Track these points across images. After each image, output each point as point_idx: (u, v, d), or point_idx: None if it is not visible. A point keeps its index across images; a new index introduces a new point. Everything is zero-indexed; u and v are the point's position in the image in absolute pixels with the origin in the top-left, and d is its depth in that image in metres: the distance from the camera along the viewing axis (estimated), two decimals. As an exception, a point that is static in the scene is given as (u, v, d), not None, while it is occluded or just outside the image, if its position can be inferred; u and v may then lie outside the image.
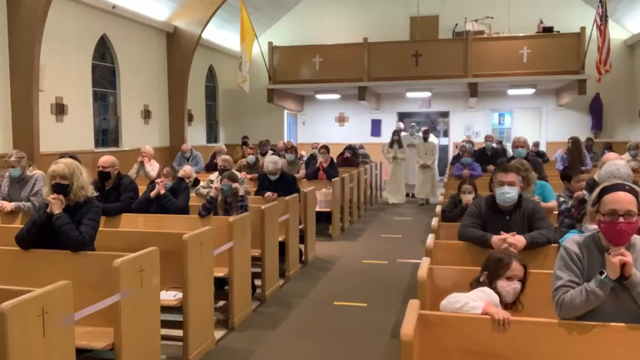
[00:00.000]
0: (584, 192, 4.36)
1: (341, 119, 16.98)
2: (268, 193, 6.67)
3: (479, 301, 2.56)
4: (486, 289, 2.69)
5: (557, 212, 4.62)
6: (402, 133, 12.75)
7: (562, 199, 4.55)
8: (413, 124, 13.76)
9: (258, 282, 5.71)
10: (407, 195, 13.04)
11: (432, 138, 12.67)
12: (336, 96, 16.12)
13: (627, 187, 2.42)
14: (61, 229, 3.57)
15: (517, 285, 2.66)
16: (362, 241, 8.75)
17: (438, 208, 5.35)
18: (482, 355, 2.47)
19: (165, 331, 3.96)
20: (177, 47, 12.63)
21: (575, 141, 8.75)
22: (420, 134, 12.59)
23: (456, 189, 5.43)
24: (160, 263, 3.66)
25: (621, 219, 2.35)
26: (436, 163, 12.66)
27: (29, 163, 5.63)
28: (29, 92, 8.23)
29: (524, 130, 14.92)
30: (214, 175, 6.83)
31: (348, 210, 9.78)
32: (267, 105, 15.22)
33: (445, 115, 16.99)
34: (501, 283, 2.65)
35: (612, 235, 2.39)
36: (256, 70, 14.88)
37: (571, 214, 4.34)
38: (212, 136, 15.69)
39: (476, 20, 14.65)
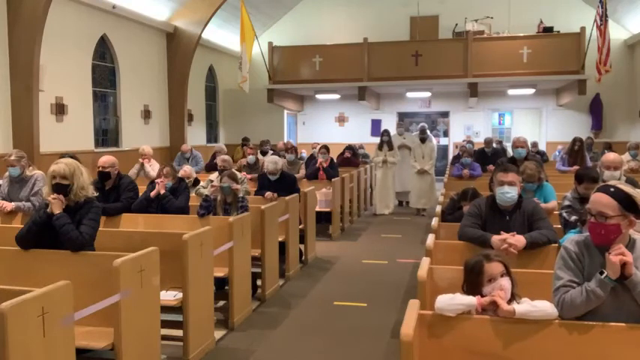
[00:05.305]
0: None
1: (341, 119, 16.99)
2: (268, 193, 6.68)
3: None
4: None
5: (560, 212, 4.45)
6: (392, 133, 11.33)
7: (567, 201, 4.34)
8: (414, 123, 13.37)
9: (258, 282, 5.71)
10: (400, 204, 11.88)
11: (430, 139, 11.59)
12: (336, 96, 16.12)
13: (612, 190, 2.42)
14: (61, 229, 3.57)
15: (503, 281, 2.57)
16: (362, 241, 8.74)
17: (438, 209, 5.35)
18: (482, 355, 2.47)
19: (165, 331, 3.96)
20: (177, 47, 12.64)
21: (582, 142, 8.82)
22: (414, 134, 11.54)
23: (455, 189, 5.41)
24: (160, 263, 3.65)
25: (592, 219, 2.42)
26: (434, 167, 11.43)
27: (29, 163, 5.64)
28: (29, 92, 8.24)
29: (524, 130, 14.94)
30: (214, 175, 6.83)
31: (348, 210, 9.78)
32: (267, 105, 15.22)
33: (445, 115, 16.99)
34: (487, 289, 2.57)
35: (591, 234, 2.45)
36: (256, 70, 14.88)
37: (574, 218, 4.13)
38: (212, 136, 15.69)
39: (476, 20, 14.66)
